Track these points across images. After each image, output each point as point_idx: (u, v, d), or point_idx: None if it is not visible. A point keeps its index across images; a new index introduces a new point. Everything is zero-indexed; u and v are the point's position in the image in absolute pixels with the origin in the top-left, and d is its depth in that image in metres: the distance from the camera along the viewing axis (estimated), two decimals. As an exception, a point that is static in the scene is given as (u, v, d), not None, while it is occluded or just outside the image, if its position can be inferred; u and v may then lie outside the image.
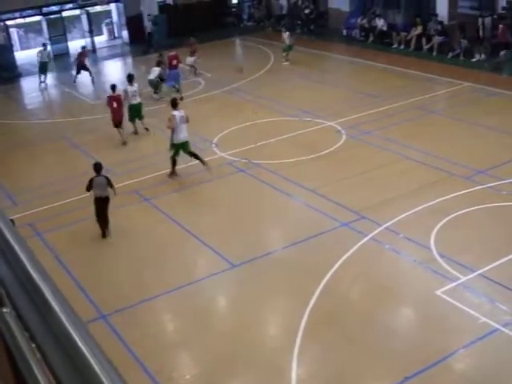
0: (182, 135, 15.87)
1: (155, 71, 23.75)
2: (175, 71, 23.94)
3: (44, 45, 28.08)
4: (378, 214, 13.29)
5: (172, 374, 9.45)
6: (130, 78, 19.93)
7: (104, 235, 13.42)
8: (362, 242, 12.32)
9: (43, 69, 27.26)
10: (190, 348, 10.16)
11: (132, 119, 19.81)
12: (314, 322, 10.05)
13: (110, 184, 13.28)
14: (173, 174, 16.24)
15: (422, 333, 9.90)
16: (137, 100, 19.74)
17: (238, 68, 26.49)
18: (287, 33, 27.81)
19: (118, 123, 19.11)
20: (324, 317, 10.25)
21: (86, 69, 27.33)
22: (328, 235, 12.76)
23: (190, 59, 26.80)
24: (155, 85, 23.69)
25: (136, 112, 19.76)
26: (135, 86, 19.81)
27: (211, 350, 9.78)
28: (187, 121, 15.98)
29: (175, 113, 15.83)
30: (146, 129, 19.81)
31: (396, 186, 14.56)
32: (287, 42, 27.61)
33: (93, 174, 13.36)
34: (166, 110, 21.85)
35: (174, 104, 16.12)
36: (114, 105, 18.91)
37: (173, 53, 24.53)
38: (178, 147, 15.97)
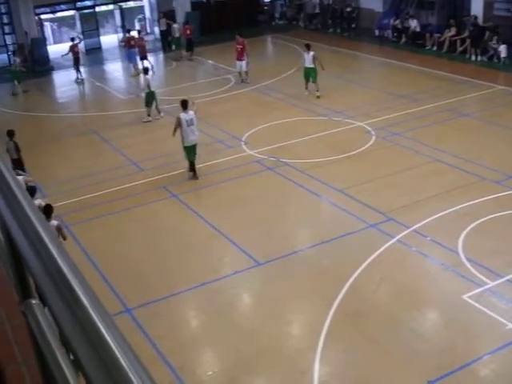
0: (191, 138, 15.54)
1: (146, 79, 21.53)
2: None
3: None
4: (405, 216, 13.19)
5: (195, 369, 9.48)
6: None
7: None
8: (388, 243, 12.24)
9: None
10: (213, 344, 10.18)
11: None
12: (338, 322, 10.02)
13: (17, 149, 15.25)
14: (194, 175, 15.89)
15: (447, 337, 9.79)
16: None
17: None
18: (311, 53, 21.65)
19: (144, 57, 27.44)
20: (348, 318, 10.21)
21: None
22: (355, 236, 12.70)
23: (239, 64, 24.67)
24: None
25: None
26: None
27: (234, 347, 9.80)
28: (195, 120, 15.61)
29: (181, 115, 15.54)
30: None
31: (425, 189, 14.43)
32: (309, 65, 21.69)
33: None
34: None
35: (184, 105, 15.72)
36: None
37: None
38: (189, 150, 15.71)
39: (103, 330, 1.17)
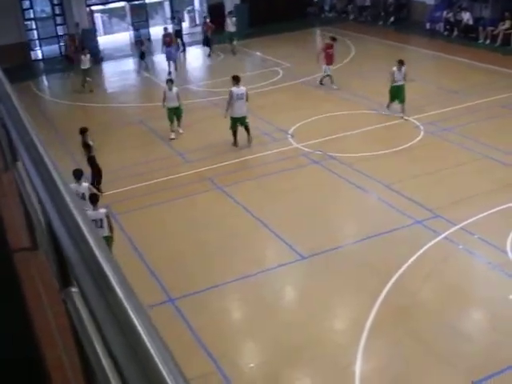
0: (239, 111, 17.07)
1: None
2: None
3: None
4: (453, 213, 12.98)
5: (236, 361, 9.51)
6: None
7: None
8: (435, 240, 12.06)
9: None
10: (254, 337, 10.20)
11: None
12: (381, 318, 9.92)
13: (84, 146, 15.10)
14: (234, 143, 17.47)
15: (492, 337, 9.62)
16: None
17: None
18: (403, 68, 18.79)
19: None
20: (392, 314, 10.11)
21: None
22: (401, 232, 12.55)
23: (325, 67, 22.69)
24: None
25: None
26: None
27: (276, 340, 9.79)
28: (247, 99, 17.14)
29: (233, 89, 17.09)
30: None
31: (473, 186, 14.17)
32: (401, 81, 18.77)
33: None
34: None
35: (236, 79, 17.23)
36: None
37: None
38: (235, 121, 17.24)
39: (134, 319, 1.20)
